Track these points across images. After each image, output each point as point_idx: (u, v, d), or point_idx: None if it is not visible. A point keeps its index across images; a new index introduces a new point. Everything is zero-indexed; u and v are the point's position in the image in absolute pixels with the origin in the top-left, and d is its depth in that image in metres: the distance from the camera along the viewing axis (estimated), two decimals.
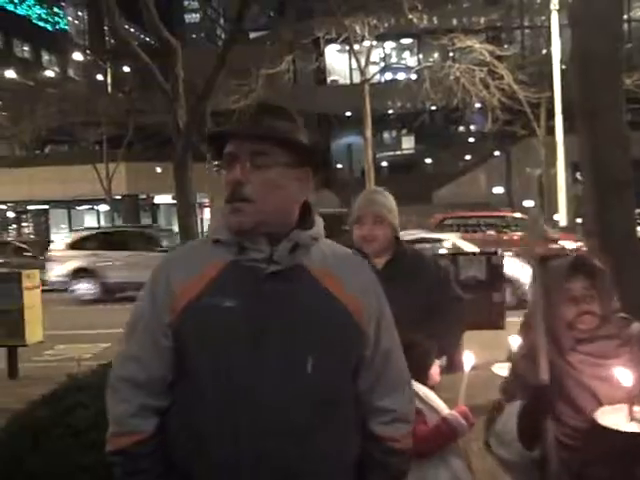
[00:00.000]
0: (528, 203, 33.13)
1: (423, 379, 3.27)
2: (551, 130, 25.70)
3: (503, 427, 2.42)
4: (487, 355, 8.39)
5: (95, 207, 41.98)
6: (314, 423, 1.85)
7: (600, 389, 2.34)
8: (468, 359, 3.12)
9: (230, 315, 1.85)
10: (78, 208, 42.31)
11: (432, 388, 3.30)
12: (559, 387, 2.37)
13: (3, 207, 42.01)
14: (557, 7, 23.21)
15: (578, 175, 26.30)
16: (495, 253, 9.65)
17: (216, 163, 2.08)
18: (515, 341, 3.09)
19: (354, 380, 1.97)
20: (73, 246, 20.06)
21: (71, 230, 38.87)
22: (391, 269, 3.52)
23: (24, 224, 42.89)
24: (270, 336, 1.84)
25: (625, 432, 2.13)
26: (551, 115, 25.55)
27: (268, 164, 1.91)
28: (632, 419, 2.14)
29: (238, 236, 1.91)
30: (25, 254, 25.23)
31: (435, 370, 3.29)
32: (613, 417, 2.19)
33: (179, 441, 1.86)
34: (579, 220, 25.85)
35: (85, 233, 21.86)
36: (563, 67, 23.11)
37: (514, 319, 2.47)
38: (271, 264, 1.89)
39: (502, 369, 3.19)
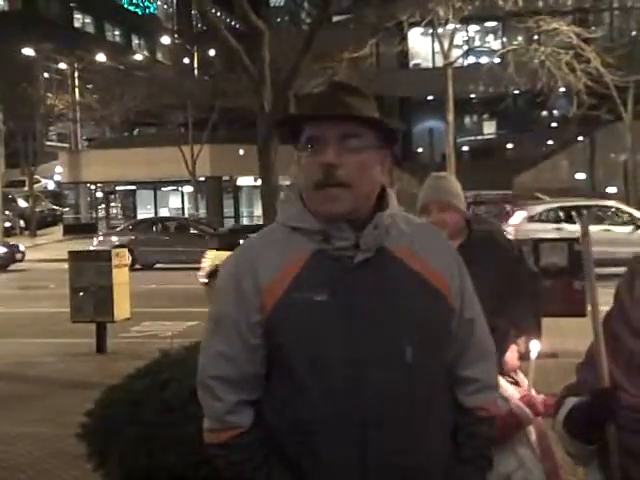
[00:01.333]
0: (611, 189, 32.42)
1: (498, 366, 3.32)
2: (638, 115, 25.09)
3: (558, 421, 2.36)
4: (568, 343, 8.43)
5: (180, 188, 42.84)
6: (417, 411, 1.84)
7: None
8: (534, 346, 3.10)
9: (323, 309, 1.80)
10: (164, 189, 43.27)
11: (514, 373, 3.33)
12: (635, 372, 2.28)
13: (92, 187, 43.32)
14: None
15: None
16: (577, 240, 9.56)
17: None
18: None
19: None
20: None
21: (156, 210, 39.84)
22: (463, 255, 3.60)
23: (112, 204, 44.12)
24: (365, 327, 1.81)
25: None
26: (638, 99, 24.93)
27: (360, 146, 1.84)
28: None
29: (328, 223, 1.83)
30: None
31: (512, 355, 3.29)
32: None
33: (281, 434, 1.85)
34: None
35: None
36: None
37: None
38: (358, 252, 1.83)
39: None
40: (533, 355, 3.10)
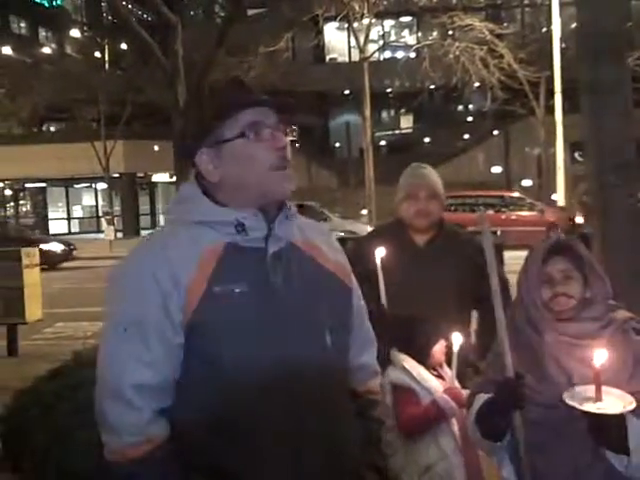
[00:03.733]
0: (526, 182, 33.15)
1: (424, 358, 3.29)
2: (550, 109, 25.58)
3: (469, 420, 2.54)
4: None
5: (93, 185, 41.89)
6: (339, 395, 1.91)
7: (575, 369, 2.37)
8: (456, 339, 3.14)
9: (244, 300, 1.80)
10: (76, 186, 42.22)
11: (440, 366, 3.33)
12: (537, 367, 2.41)
13: (0, 185, 41.92)
14: None
15: (577, 155, 26.30)
16: (495, 233, 9.61)
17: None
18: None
19: None
20: None
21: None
22: (433, 247, 3.52)
23: (22, 202, 42.80)
24: (287, 315, 1.83)
25: (585, 411, 2.17)
26: (550, 94, 25.44)
27: (286, 132, 1.93)
28: (596, 400, 2.16)
29: (240, 213, 1.85)
30: None
31: (440, 349, 3.29)
32: (581, 396, 2.22)
33: (206, 436, 1.79)
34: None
35: None
36: (563, 45, 22.96)
37: None
38: (271, 242, 1.87)
39: None
40: (455, 348, 3.14)
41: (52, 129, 45.59)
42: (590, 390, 2.19)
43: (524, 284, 2.50)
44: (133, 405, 1.77)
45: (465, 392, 3.06)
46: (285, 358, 1.80)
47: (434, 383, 3.21)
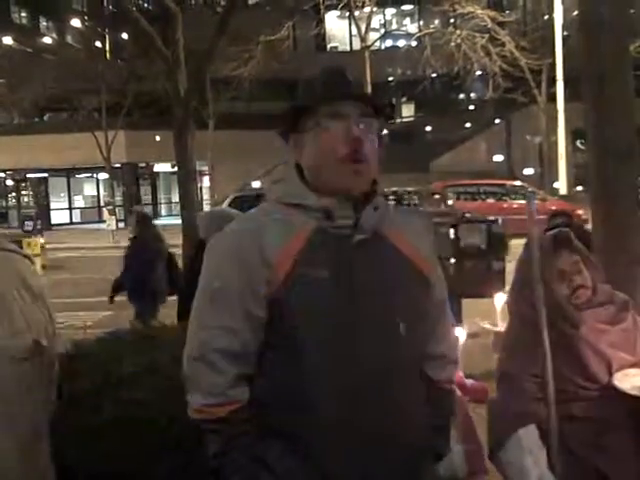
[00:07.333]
0: (528, 171, 33.07)
1: None
2: (552, 97, 25.57)
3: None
4: (486, 323, 8.35)
5: (94, 175, 41.84)
6: (409, 383, 1.96)
7: (611, 355, 2.37)
8: (460, 334, 3.16)
9: (325, 286, 1.86)
10: (77, 176, 42.18)
11: None
12: (577, 361, 2.41)
13: (2, 175, 41.89)
14: None
15: (579, 143, 26.24)
16: (495, 221, 9.60)
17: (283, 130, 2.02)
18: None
19: None
20: None
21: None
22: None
23: (23, 192, 42.79)
24: (365, 304, 1.89)
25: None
26: (552, 82, 25.41)
27: (372, 126, 1.94)
28: None
29: (330, 200, 1.91)
30: None
31: None
32: (630, 383, 2.22)
33: (281, 407, 1.88)
34: (579, 188, 25.84)
35: None
36: (565, 33, 22.94)
37: None
38: (357, 231, 1.91)
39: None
40: (461, 341, 3.19)
41: (53, 119, 45.47)
42: (633, 375, 2.20)
43: (539, 286, 2.41)
44: (216, 368, 1.89)
45: (469, 381, 3.08)
46: (356, 346, 1.86)
47: None
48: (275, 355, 1.90)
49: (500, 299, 4.22)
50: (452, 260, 8.35)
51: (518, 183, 24.29)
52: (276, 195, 2.01)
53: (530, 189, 22.13)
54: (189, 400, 1.95)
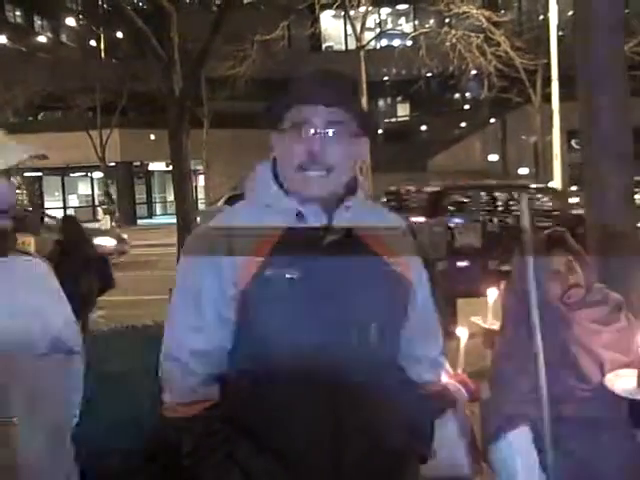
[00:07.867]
0: (523, 171, 33.10)
1: None
2: (547, 97, 25.55)
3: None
4: (483, 322, 8.38)
5: (89, 174, 41.72)
6: (383, 387, 1.92)
7: (604, 356, 2.36)
8: (462, 333, 3.15)
9: (294, 287, 1.85)
10: (72, 175, 42.07)
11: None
12: (569, 362, 2.41)
13: None
14: None
15: (574, 143, 26.26)
16: (490, 221, 9.63)
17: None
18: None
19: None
20: None
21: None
22: None
23: (17, 191, 42.61)
24: (335, 307, 1.87)
25: (631, 398, 2.15)
26: (547, 82, 25.40)
27: (342, 133, 1.90)
28: (639, 385, 2.16)
29: (302, 203, 1.90)
30: None
31: None
32: (622, 383, 2.22)
33: (252, 406, 1.89)
34: (574, 188, 25.82)
35: None
36: (560, 33, 22.91)
37: None
38: (329, 233, 1.90)
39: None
40: (463, 341, 3.15)
41: (48, 118, 45.35)
42: (625, 376, 2.20)
43: (533, 288, 2.38)
44: (188, 368, 1.91)
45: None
46: (326, 348, 1.84)
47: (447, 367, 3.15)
48: (245, 355, 1.90)
49: (492, 294, 4.20)
50: (447, 260, 8.37)
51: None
52: (252, 195, 2.01)
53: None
54: (163, 399, 1.98)
